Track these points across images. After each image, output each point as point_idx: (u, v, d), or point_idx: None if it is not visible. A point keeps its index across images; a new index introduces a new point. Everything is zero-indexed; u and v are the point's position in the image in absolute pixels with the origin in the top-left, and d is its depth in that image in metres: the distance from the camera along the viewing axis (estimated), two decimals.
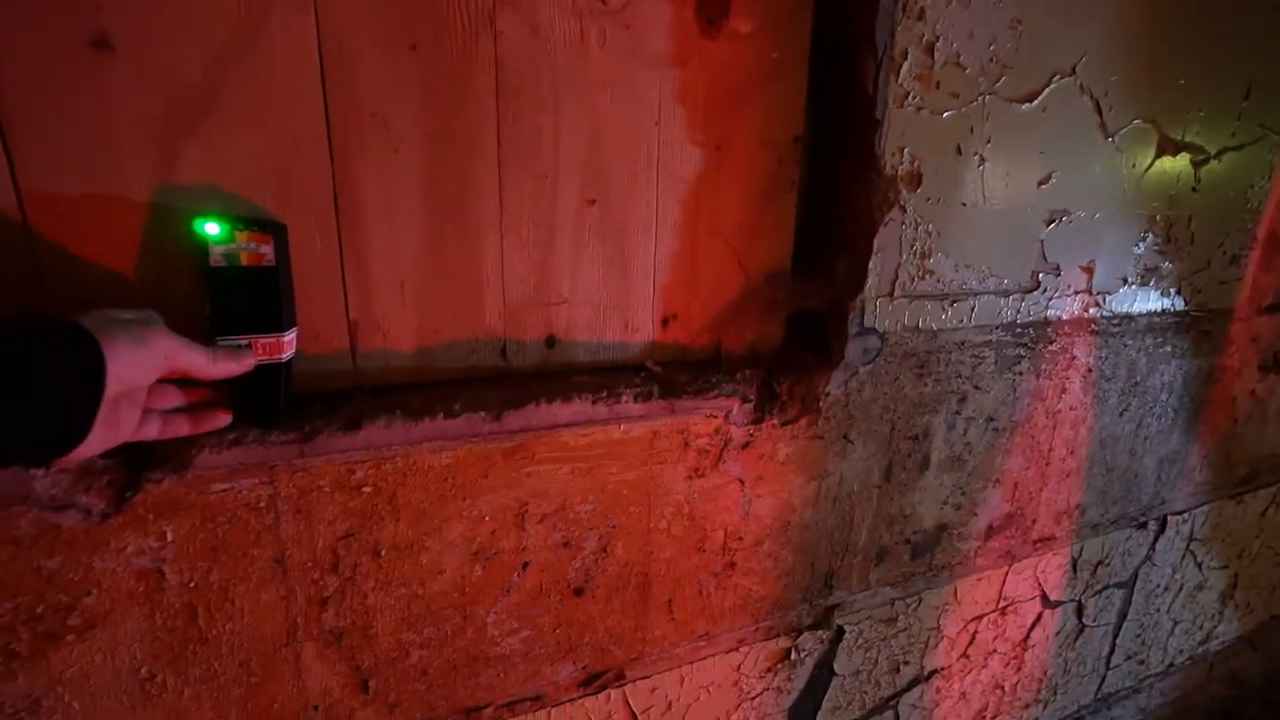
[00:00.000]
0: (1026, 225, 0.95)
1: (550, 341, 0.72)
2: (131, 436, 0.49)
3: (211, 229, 0.51)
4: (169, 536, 0.57)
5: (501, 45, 0.61)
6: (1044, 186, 0.94)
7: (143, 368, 0.45)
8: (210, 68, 0.52)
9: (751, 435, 0.82)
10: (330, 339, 0.62)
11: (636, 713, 0.87)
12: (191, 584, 0.59)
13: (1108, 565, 1.34)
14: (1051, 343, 1.05)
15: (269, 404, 0.57)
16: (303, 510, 0.62)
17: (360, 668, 0.68)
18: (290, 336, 0.56)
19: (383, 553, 0.66)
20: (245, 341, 0.53)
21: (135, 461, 0.54)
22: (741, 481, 0.83)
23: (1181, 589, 1.52)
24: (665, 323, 0.77)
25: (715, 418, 0.79)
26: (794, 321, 0.86)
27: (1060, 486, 1.17)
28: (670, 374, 0.76)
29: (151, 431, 0.51)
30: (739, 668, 0.94)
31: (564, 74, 0.64)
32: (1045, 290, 1.01)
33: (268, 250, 0.53)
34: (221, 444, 0.56)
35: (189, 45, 0.51)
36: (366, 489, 0.63)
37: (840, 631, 1.02)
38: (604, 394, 0.71)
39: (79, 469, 0.52)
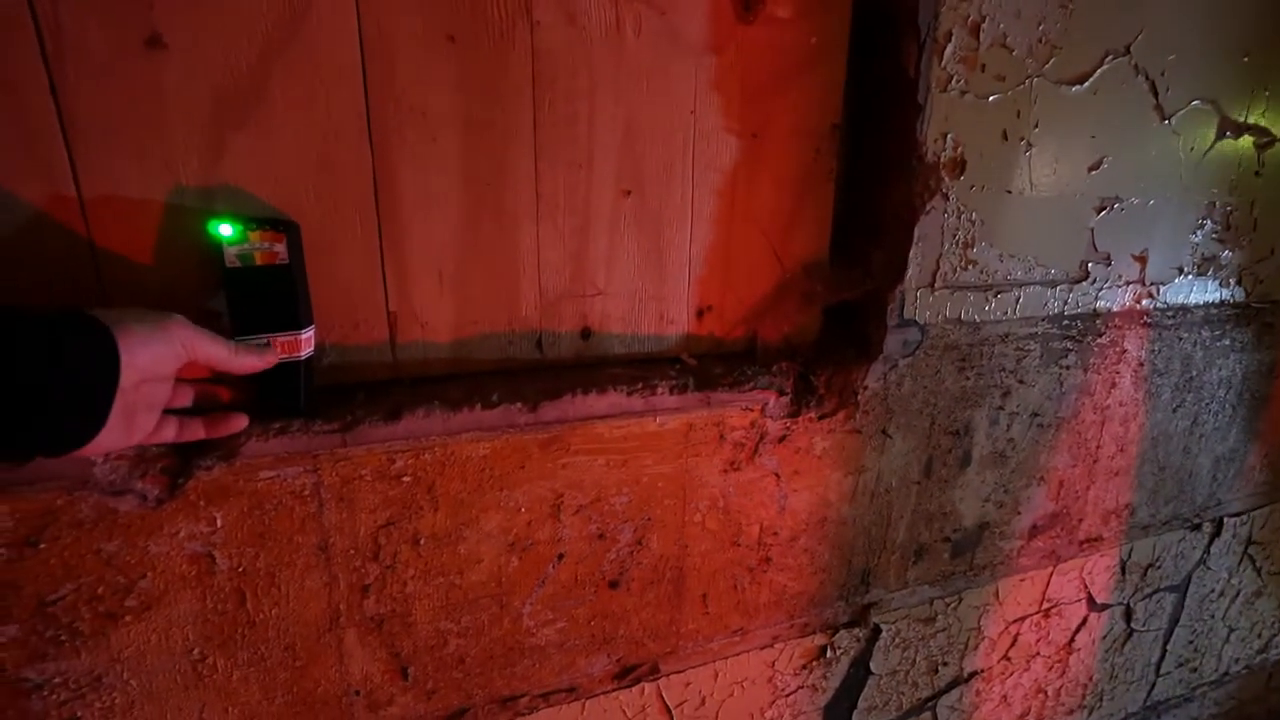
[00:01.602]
0: (1076, 213, 0.91)
1: (585, 333, 0.72)
2: (147, 439, 0.48)
3: (225, 230, 0.52)
4: (219, 522, 0.59)
5: (538, 35, 0.61)
6: (1095, 172, 0.90)
7: (161, 358, 0.45)
8: (256, 62, 0.53)
9: (788, 429, 0.81)
10: (370, 330, 0.63)
11: (670, 707, 0.87)
12: (240, 569, 0.60)
13: (1159, 568, 1.29)
14: (1101, 335, 1.01)
15: (289, 402, 0.57)
16: (345, 499, 0.63)
17: (400, 654, 0.69)
18: (308, 334, 0.56)
19: (422, 542, 0.67)
20: (265, 340, 0.54)
21: (186, 449, 0.56)
22: (777, 475, 0.82)
23: (1238, 594, 1.45)
24: (700, 314, 0.76)
25: (751, 410, 0.78)
26: (831, 313, 0.85)
27: (1108, 485, 1.13)
28: (705, 366, 0.76)
29: (168, 434, 0.50)
30: (773, 664, 0.93)
31: (600, 62, 0.64)
32: (1095, 281, 0.97)
33: (281, 249, 0.53)
34: (268, 433, 0.58)
35: (236, 40, 0.52)
36: (406, 478, 0.64)
37: (877, 630, 1.00)
38: (639, 386, 0.70)
39: (135, 455, 0.54)
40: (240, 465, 0.58)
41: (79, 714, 0.58)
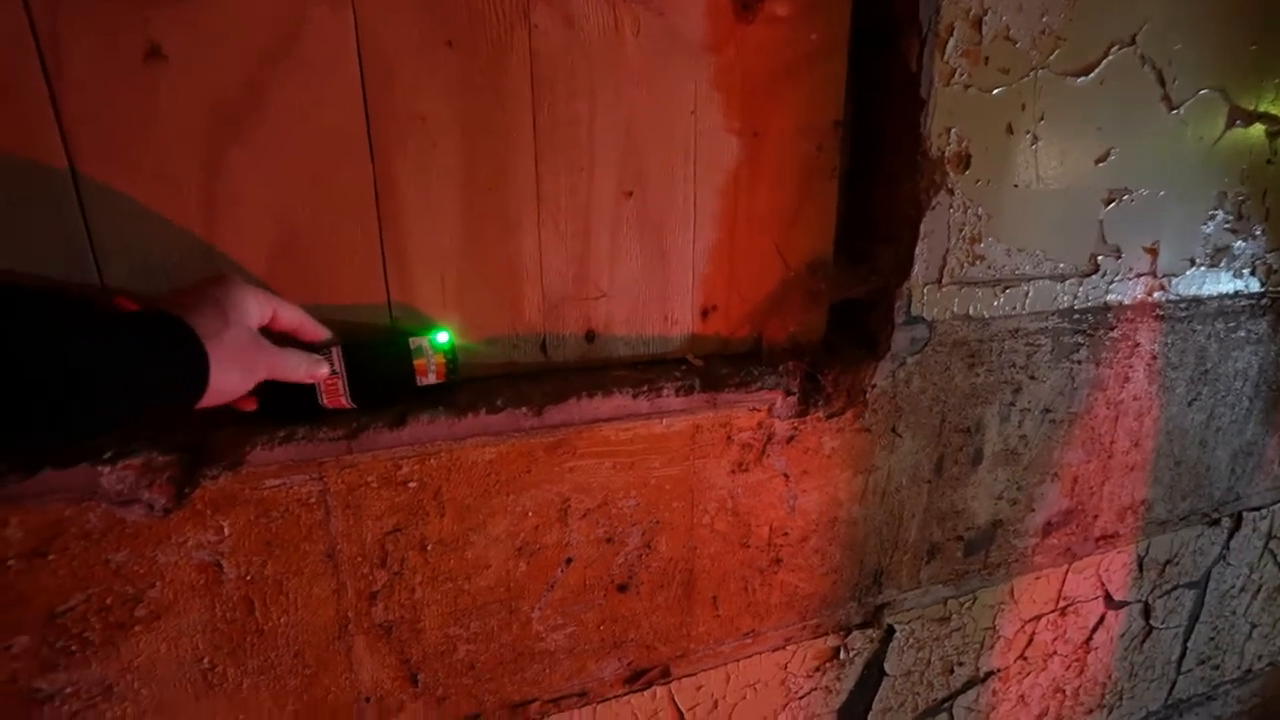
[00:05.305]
0: (1084, 206, 0.90)
1: (590, 336, 0.71)
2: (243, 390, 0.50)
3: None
4: (226, 531, 0.59)
5: (536, 38, 0.61)
6: (1102, 164, 0.89)
7: (261, 306, 0.50)
8: (255, 73, 0.53)
9: (796, 429, 0.80)
10: None
11: (683, 710, 0.87)
12: (248, 577, 0.61)
13: (1177, 564, 1.26)
14: (1112, 329, 0.99)
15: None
16: (351, 505, 0.63)
17: (409, 661, 0.69)
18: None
19: (429, 547, 0.67)
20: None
21: (192, 459, 0.56)
22: (786, 476, 0.81)
23: (1260, 590, 1.43)
24: (705, 315, 0.76)
25: (758, 411, 0.77)
26: (837, 311, 0.84)
27: (1124, 481, 1.11)
28: (711, 367, 0.75)
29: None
30: (786, 666, 0.92)
31: (599, 64, 0.63)
32: (1105, 274, 0.95)
33: None
34: (273, 440, 0.58)
35: (235, 51, 0.52)
36: (412, 484, 0.64)
37: (890, 630, 0.99)
38: (645, 388, 0.70)
39: (142, 465, 0.54)
40: (246, 473, 0.58)
41: None
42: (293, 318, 0.53)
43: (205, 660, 0.61)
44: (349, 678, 0.67)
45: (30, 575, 0.53)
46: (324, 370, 0.55)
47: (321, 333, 0.56)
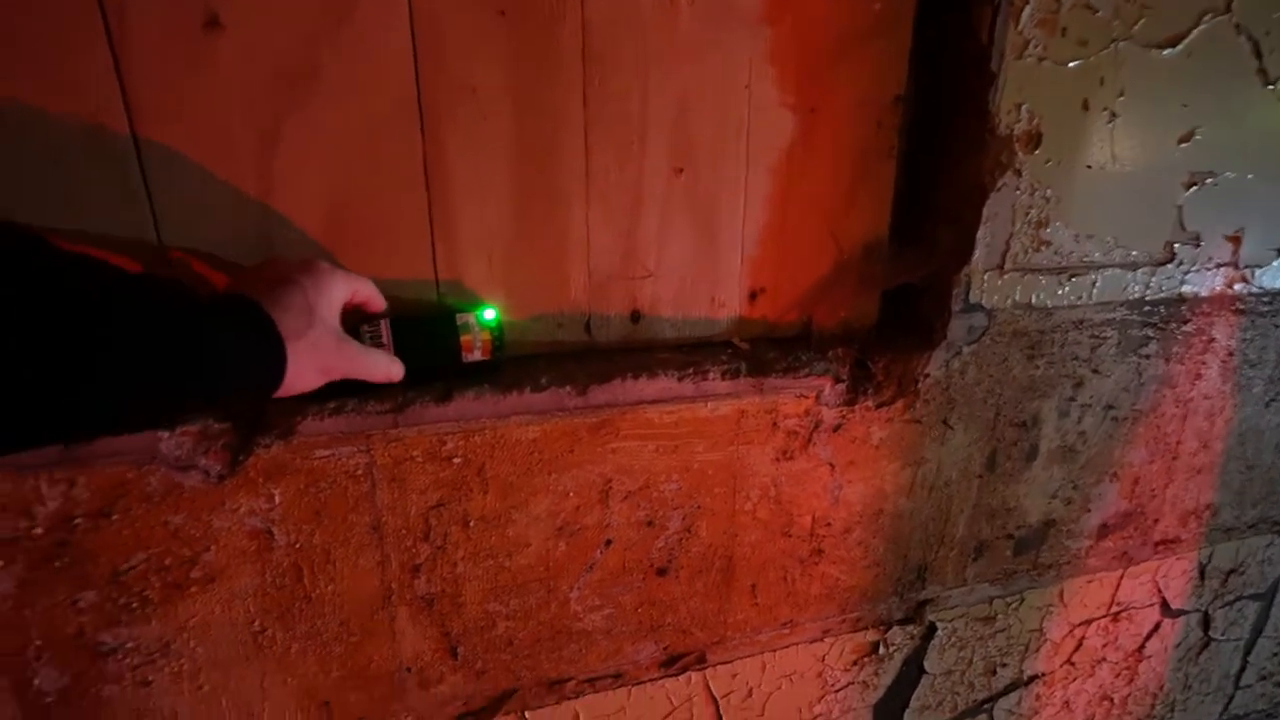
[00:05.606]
0: (1162, 189, 0.84)
1: (635, 316, 0.70)
2: None
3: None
4: (277, 499, 0.60)
5: (589, 8, 0.59)
6: (1185, 144, 0.83)
7: (347, 284, 0.51)
8: (309, 43, 0.53)
9: (843, 417, 0.78)
10: None
11: (717, 697, 0.86)
12: (297, 545, 0.62)
13: (1242, 574, 1.20)
14: (1186, 322, 0.93)
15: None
16: (397, 479, 0.63)
17: (450, 634, 0.70)
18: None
19: (471, 523, 0.67)
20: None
21: (247, 427, 0.57)
22: (832, 465, 0.79)
23: None
24: (753, 297, 0.74)
25: (805, 398, 0.75)
26: (890, 297, 0.81)
27: (1189, 484, 1.05)
28: (758, 351, 0.73)
29: None
30: (823, 658, 0.90)
31: (652, 36, 0.61)
32: (1181, 263, 0.89)
33: None
34: (323, 411, 0.58)
35: (290, 20, 0.52)
36: (456, 460, 0.64)
37: (932, 628, 0.96)
38: (690, 370, 0.69)
39: (199, 432, 0.56)
40: (297, 443, 0.59)
41: (150, 678, 0.61)
42: (366, 293, 0.54)
43: (256, 623, 0.63)
44: (391, 648, 0.68)
45: (96, 534, 0.55)
46: (400, 371, 0.55)
47: (383, 304, 0.56)
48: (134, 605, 0.58)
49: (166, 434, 0.54)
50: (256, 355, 0.43)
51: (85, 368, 0.33)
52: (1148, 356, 0.93)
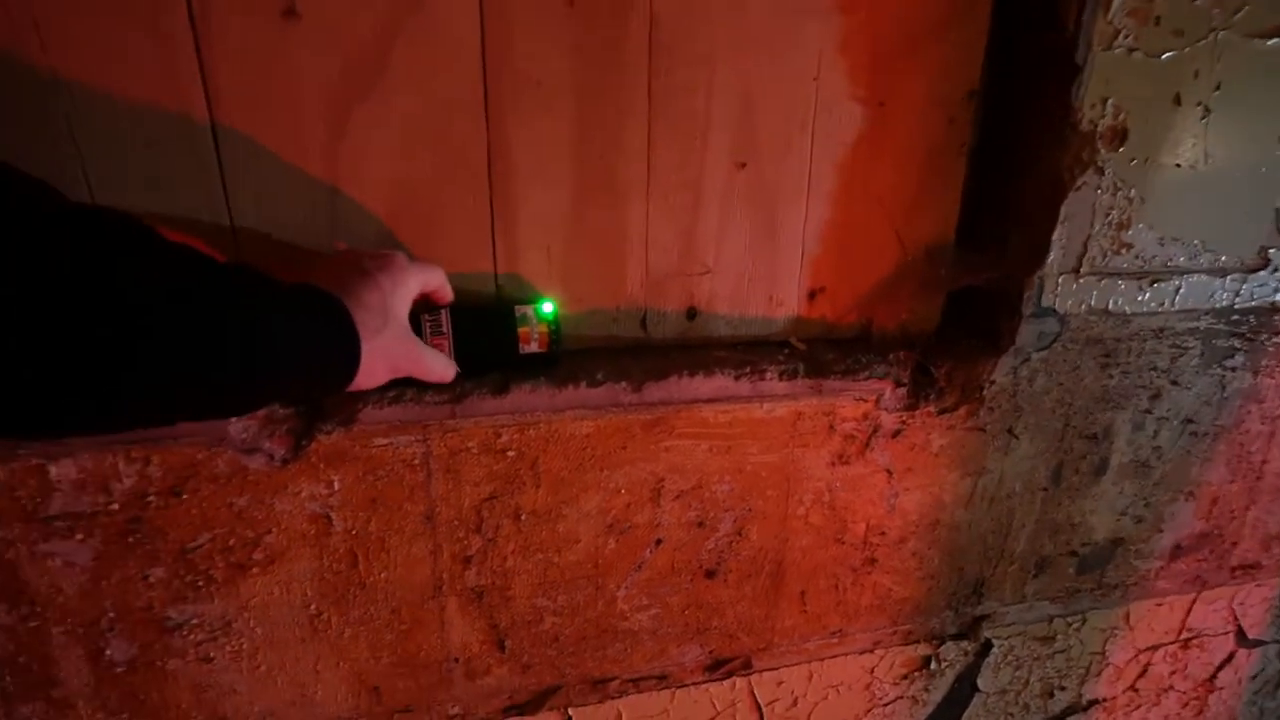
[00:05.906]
0: (1258, 190, 0.79)
1: (691, 313, 0.69)
2: None
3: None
4: (336, 485, 0.61)
5: None
6: None
7: (421, 277, 0.52)
8: (380, 33, 0.53)
9: (903, 423, 0.75)
10: None
11: (761, 704, 0.84)
12: (354, 531, 0.63)
13: None
14: (1278, 334, 0.87)
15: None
16: (452, 470, 0.64)
17: (498, 627, 0.70)
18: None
19: (523, 517, 0.67)
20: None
21: (310, 413, 0.58)
22: (889, 472, 0.77)
23: None
24: (812, 296, 0.72)
25: (864, 401, 0.73)
26: (954, 300, 0.77)
27: (1273, 506, 0.98)
28: (816, 352, 0.71)
29: None
30: (872, 670, 0.88)
31: (720, 26, 0.60)
32: (1276, 270, 0.83)
33: None
34: (383, 400, 0.59)
35: (362, 10, 0.52)
36: (510, 453, 0.64)
37: (988, 645, 0.92)
38: (747, 370, 0.67)
39: (265, 416, 0.57)
40: (357, 431, 0.59)
41: (212, 654, 0.62)
42: (436, 284, 0.54)
43: (312, 606, 0.64)
44: (440, 637, 0.69)
45: (167, 512, 0.57)
46: (454, 373, 0.56)
47: (451, 296, 0.57)
48: (199, 583, 0.60)
49: (234, 418, 0.56)
50: (333, 352, 0.43)
51: (203, 353, 0.35)
52: (1233, 369, 0.87)
